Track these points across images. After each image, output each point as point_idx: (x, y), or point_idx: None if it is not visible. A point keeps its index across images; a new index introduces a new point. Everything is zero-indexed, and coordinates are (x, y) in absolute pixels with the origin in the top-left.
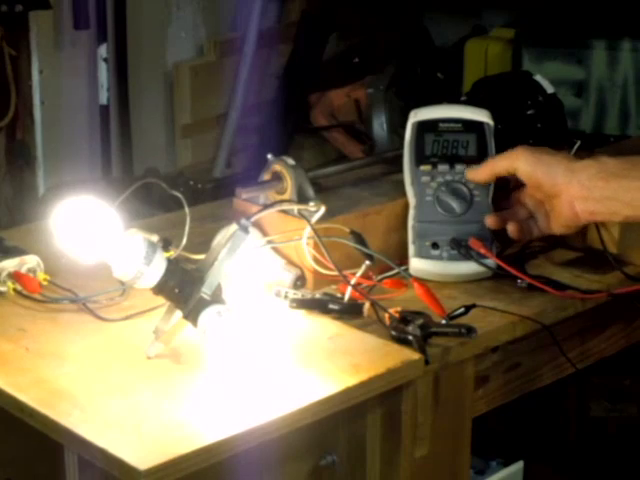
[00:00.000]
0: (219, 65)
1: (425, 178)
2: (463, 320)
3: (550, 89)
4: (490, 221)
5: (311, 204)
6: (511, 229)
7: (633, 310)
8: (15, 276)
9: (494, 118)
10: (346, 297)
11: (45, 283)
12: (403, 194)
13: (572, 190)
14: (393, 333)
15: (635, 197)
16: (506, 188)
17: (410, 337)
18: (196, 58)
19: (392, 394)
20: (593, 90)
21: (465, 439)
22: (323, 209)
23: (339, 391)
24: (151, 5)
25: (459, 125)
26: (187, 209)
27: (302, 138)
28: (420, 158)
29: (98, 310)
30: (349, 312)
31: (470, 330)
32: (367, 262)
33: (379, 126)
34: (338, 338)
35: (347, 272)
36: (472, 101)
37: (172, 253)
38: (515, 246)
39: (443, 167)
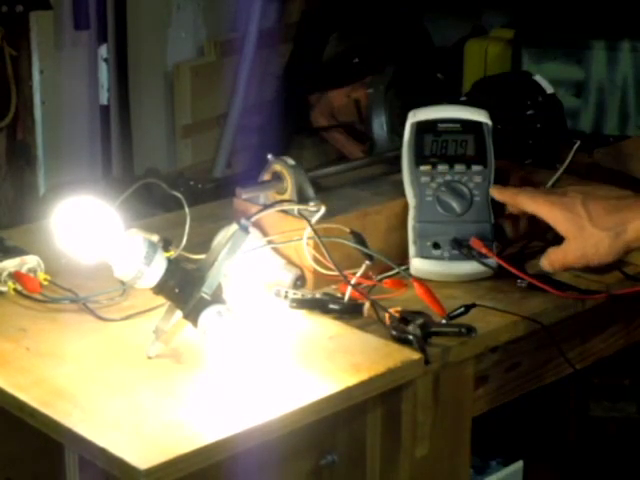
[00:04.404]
0: (219, 65)
1: (425, 178)
2: (463, 320)
3: (550, 89)
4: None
5: (311, 204)
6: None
7: (632, 310)
8: (15, 276)
9: (494, 118)
10: (346, 297)
11: (45, 283)
12: (403, 194)
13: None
14: (393, 333)
15: None
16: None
17: (410, 337)
18: (196, 58)
19: (392, 394)
20: (593, 90)
21: (465, 439)
22: (323, 209)
23: (339, 391)
24: (151, 5)
25: (457, 125)
26: (187, 209)
27: (302, 138)
28: (419, 158)
29: (98, 310)
30: (349, 312)
31: (470, 330)
32: (367, 262)
33: (379, 126)
34: (338, 338)
35: (347, 272)
36: (472, 101)
37: (172, 253)
38: (515, 246)
39: (443, 167)
